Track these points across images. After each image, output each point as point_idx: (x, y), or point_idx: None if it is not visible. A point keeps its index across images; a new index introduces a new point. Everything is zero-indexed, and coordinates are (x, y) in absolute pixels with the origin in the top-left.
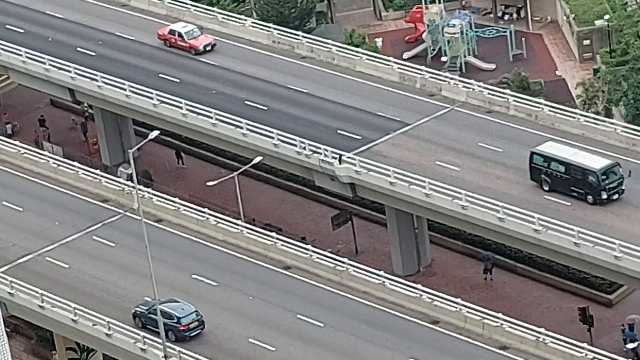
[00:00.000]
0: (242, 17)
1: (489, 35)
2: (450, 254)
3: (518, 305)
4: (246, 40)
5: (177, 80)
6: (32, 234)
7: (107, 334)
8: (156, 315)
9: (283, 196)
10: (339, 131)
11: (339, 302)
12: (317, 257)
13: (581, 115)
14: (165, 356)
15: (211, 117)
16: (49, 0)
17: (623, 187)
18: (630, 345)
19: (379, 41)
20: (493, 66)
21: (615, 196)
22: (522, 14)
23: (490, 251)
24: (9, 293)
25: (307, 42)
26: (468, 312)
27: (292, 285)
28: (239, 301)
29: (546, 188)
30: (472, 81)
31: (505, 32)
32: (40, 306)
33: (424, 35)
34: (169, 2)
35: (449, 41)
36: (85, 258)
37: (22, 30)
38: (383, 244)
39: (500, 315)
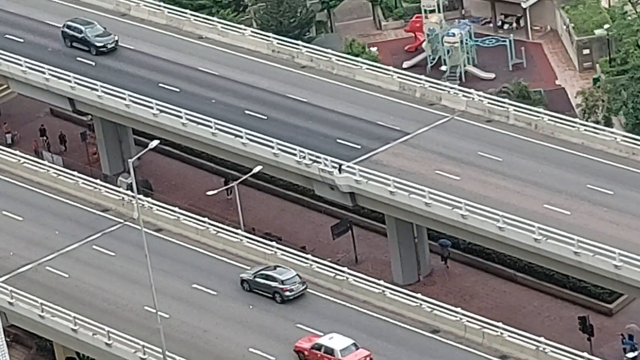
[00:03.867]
0: (242, 26)
1: (488, 44)
2: (450, 263)
3: (518, 314)
4: (246, 50)
5: (177, 90)
6: (32, 243)
7: (107, 344)
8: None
9: (283, 205)
10: (338, 140)
11: (339, 311)
12: (317, 267)
13: (581, 124)
14: None
15: (211, 127)
16: (48, 9)
17: None
18: (630, 355)
19: (374, 50)
20: (493, 75)
21: None
22: (522, 23)
23: (444, 238)
24: (9, 302)
25: (306, 51)
26: (468, 321)
27: None
28: (238, 310)
29: None
30: (471, 90)
31: (504, 41)
32: (40, 316)
33: (423, 45)
34: (169, 12)
35: (448, 50)
36: (85, 267)
37: (21, 40)
38: (383, 253)
39: (500, 324)
